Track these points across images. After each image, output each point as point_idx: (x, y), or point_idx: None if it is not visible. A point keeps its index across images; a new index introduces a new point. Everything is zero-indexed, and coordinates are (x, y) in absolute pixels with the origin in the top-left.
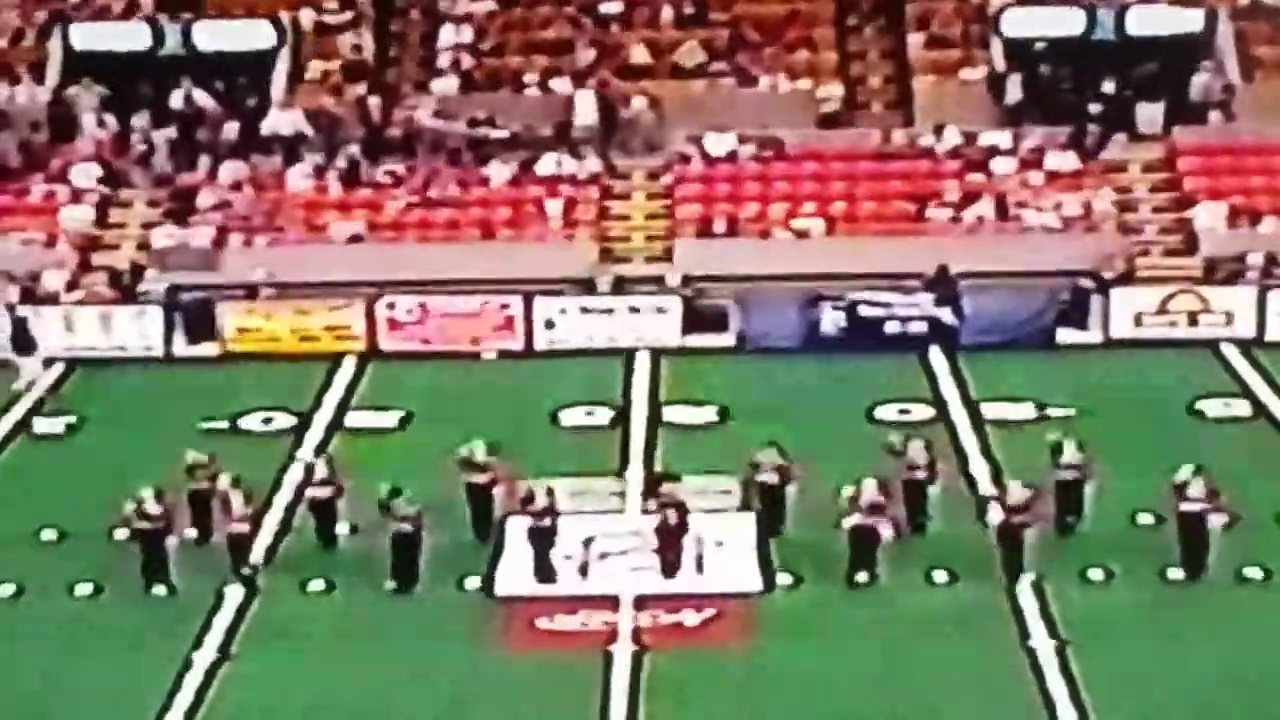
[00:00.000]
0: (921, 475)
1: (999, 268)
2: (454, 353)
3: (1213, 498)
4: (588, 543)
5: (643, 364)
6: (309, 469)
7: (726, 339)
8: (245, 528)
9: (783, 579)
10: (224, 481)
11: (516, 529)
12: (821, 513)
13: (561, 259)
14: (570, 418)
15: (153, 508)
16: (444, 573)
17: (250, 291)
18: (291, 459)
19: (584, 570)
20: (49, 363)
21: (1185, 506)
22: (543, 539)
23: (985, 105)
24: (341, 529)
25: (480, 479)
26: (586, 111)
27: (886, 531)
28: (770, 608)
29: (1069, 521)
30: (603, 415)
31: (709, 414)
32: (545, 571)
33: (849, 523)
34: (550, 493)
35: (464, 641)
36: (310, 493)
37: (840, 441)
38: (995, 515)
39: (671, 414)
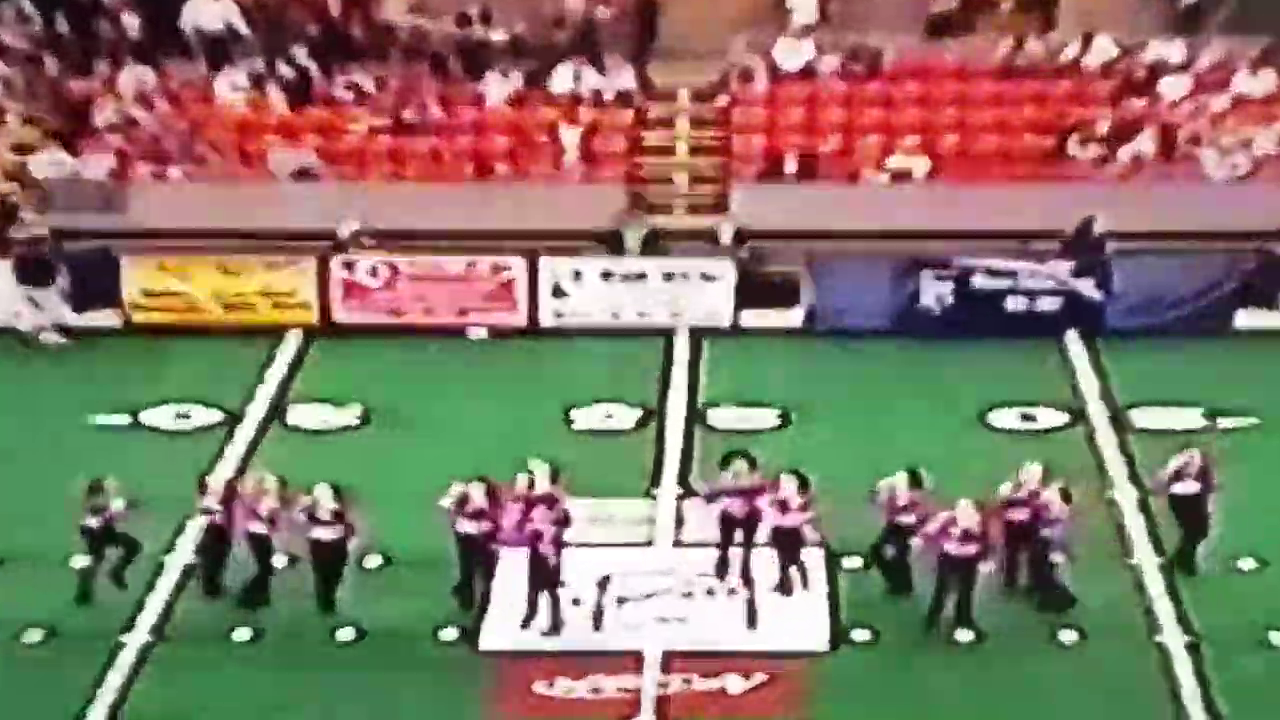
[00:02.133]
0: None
1: (1161, 226)
2: (432, 329)
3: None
4: (603, 583)
5: (682, 349)
6: None
7: (794, 317)
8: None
9: (857, 635)
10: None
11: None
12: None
13: (578, 206)
14: (585, 419)
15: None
16: (414, 619)
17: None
18: (215, 466)
19: (598, 619)
20: None
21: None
22: (480, 551)
23: (1152, 5)
24: (281, 562)
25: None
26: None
27: (986, 566)
28: (839, 672)
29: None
30: (627, 416)
31: (767, 417)
32: (465, 595)
33: (949, 548)
34: (491, 492)
35: (439, 712)
36: (314, 533)
37: (944, 456)
38: None
39: (718, 416)
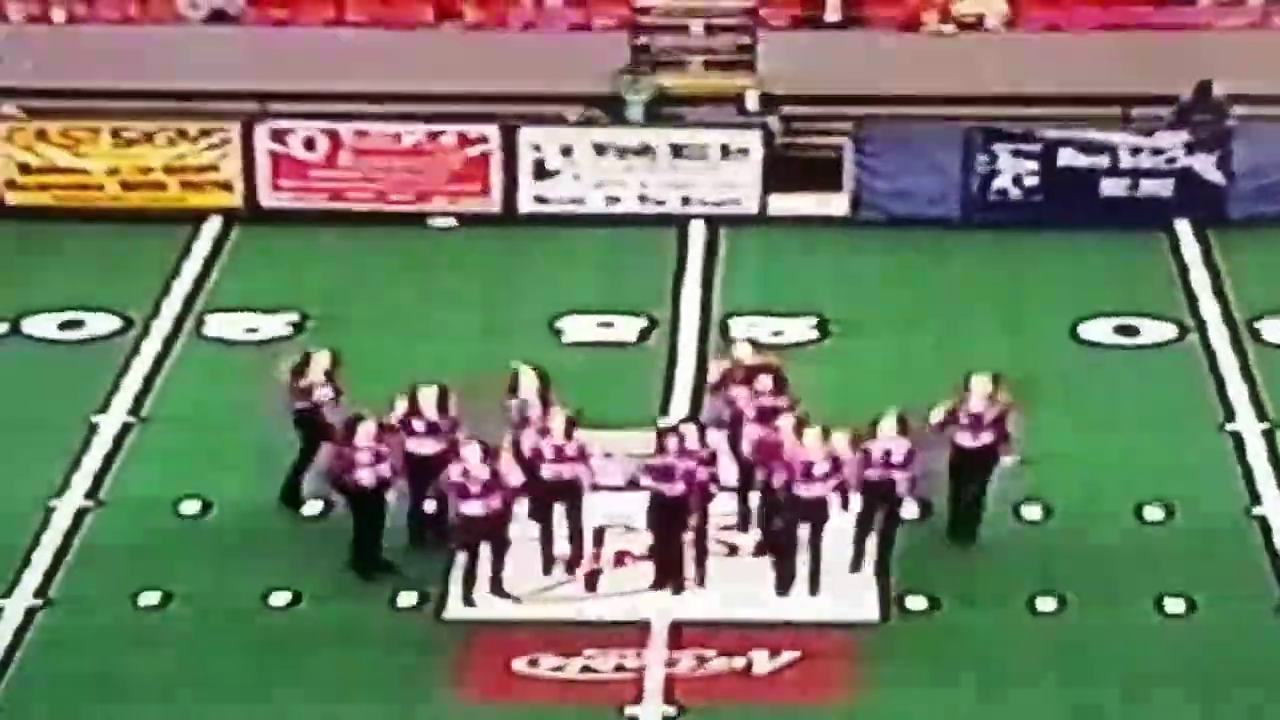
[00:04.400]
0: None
1: None
2: (384, 216)
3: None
4: (598, 536)
5: (697, 242)
6: None
7: (836, 203)
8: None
9: (912, 602)
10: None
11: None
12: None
13: (567, 60)
14: (576, 331)
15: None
16: (363, 580)
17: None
18: (118, 388)
19: (591, 581)
20: None
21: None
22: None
23: None
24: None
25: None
26: None
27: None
28: (889, 648)
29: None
30: (628, 328)
31: (801, 327)
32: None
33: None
34: (443, 396)
35: (399, 694)
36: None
37: (1022, 379)
38: None
39: (741, 325)
